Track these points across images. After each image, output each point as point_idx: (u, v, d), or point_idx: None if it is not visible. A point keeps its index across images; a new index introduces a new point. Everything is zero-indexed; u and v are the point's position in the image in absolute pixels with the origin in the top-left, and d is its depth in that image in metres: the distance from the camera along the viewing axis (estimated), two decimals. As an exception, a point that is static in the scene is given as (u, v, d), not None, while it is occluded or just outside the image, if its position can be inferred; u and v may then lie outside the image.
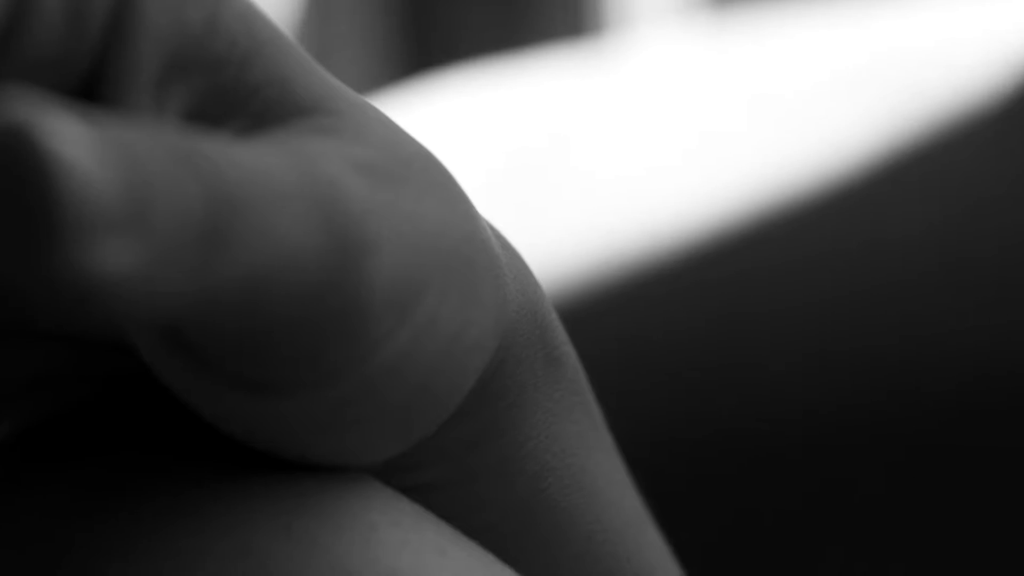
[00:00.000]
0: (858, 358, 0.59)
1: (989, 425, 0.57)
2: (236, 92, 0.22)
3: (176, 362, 0.21)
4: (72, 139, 0.17)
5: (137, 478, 0.22)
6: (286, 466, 0.23)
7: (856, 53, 0.66)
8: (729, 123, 0.65)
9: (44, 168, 0.17)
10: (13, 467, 0.23)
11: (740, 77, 0.67)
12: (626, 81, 0.68)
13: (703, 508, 0.58)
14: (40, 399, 0.24)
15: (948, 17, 0.67)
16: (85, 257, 0.17)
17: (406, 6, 1.29)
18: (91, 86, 0.21)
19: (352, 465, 0.23)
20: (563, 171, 0.65)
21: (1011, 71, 0.63)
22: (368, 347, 0.21)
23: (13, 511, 0.22)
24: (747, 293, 0.60)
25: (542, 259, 0.62)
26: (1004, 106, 0.62)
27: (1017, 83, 0.62)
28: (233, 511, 0.22)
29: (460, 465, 0.25)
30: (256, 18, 0.22)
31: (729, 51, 0.68)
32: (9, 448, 0.24)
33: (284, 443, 0.22)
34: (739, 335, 0.59)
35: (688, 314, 0.60)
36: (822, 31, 0.68)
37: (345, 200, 0.21)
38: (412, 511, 0.23)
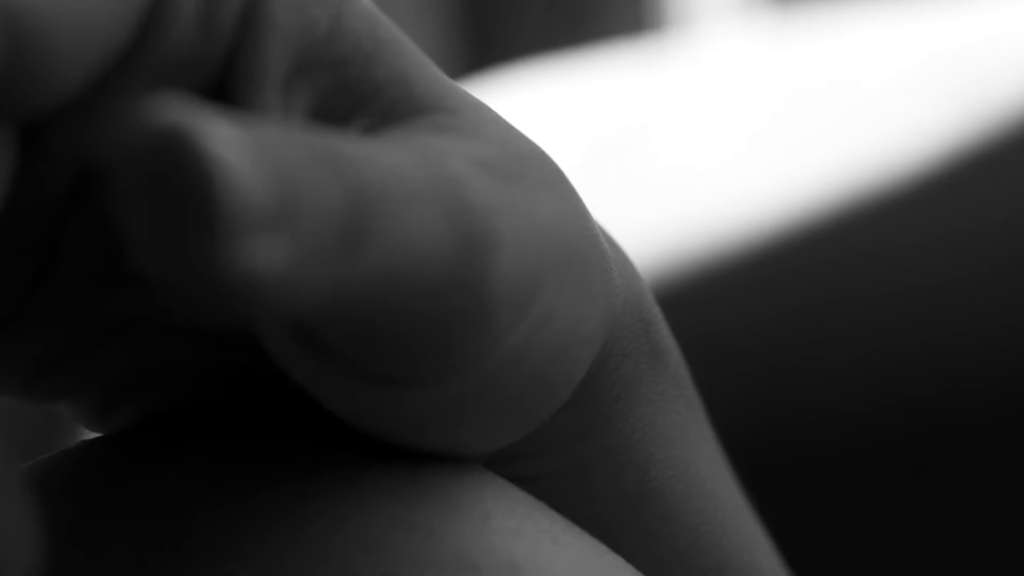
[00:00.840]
0: (931, 351, 0.59)
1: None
2: (360, 90, 0.22)
3: (304, 356, 0.22)
4: (226, 140, 0.18)
5: (262, 465, 0.23)
6: (405, 455, 0.23)
7: (925, 48, 0.66)
8: (800, 117, 0.65)
9: (204, 169, 0.18)
10: (148, 450, 0.24)
11: (810, 71, 0.67)
12: (696, 75, 0.68)
13: (770, 493, 0.58)
14: (168, 388, 0.25)
15: (1018, 11, 0.67)
16: (239, 255, 0.18)
17: (466, 4, 1.30)
18: (222, 87, 0.22)
19: (468, 454, 0.24)
20: (641, 162, 0.65)
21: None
22: (490, 341, 0.22)
23: (149, 491, 0.23)
24: (820, 284, 0.60)
25: (624, 247, 0.62)
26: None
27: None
28: (354, 500, 0.22)
29: (568, 455, 0.25)
30: (377, 19, 0.23)
31: (795, 46, 0.69)
32: (141, 432, 0.24)
33: (405, 433, 0.23)
34: (812, 326, 0.60)
35: (761, 304, 0.60)
36: (888, 27, 0.68)
37: (470, 197, 0.21)
38: (525, 500, 0.24)
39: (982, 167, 0.62)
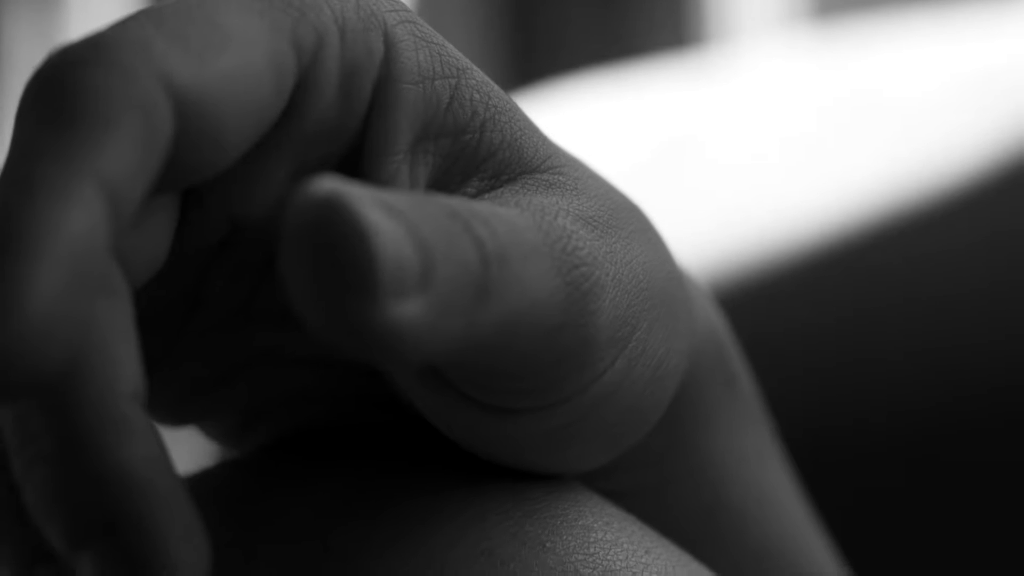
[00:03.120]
0: (976, 355, 0.62)
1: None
2: (476, 155, 0.25)
3: (430, 390, 0.25)
4: (375, 206, 0.21)
5: (388, 483, 0.26)
6: (513, 474, 0.26)
7: (959, 65, 0.69)
8: (843, 128, 0.68)
9: (360, 234, 0.20)
10: (284, 468, 0.27)
11: (856, 83, 0.69)
12: (742, 88, 0.71)
13: (826, 494, 0.61)
14: (297, 413, 0.28)
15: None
16: (388, 314, 0.20)
17: (510, 18, 1.32)
18: (356, 157, 0.25)
19: (567, 473, 0.26)
20: (695, 171, 0.68)
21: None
22: (593, 376, 0.25)
23: (283, 505, 0.26)
24: (870, 289, 0.63)
25: (681, 252, 0.65)
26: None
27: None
28: (471, 514, 0.25)
29: (654, 472, 0.28)
30: (491, 88, 0.26)
31: (840, 59, 0.71)
32: (277, 450, 0.27)
33: (516, 456, 0.26)
34: (862, 329, 0.62)
35: (814, 307, 0.63)
36: (924, 44, 0.71)
37: (577, 250, 0.24)
38: (619, 515, 0.26)
39: (1015, 180, 0.64)
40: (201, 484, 0.27)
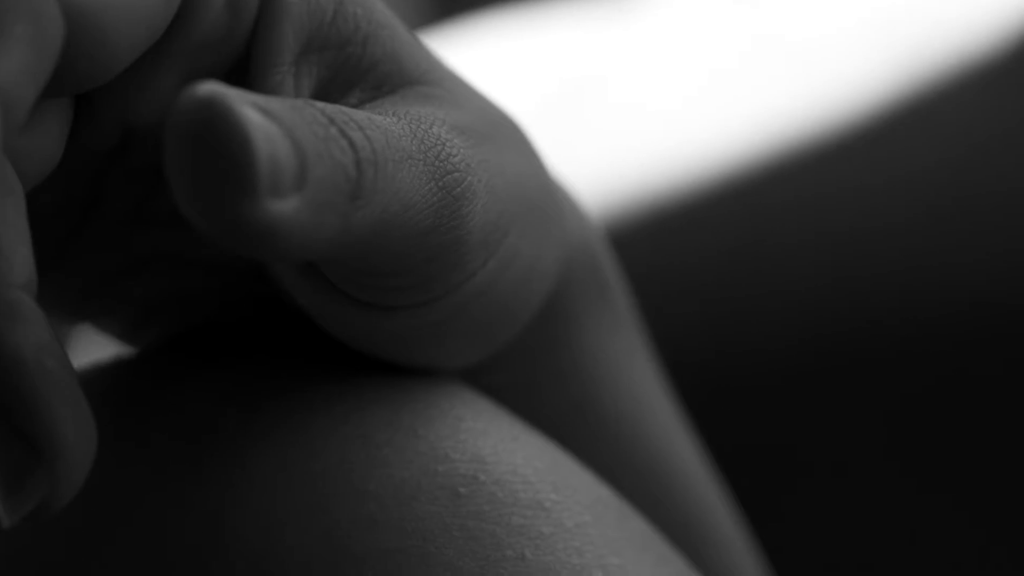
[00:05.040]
0: (869, 288, 0.64)
1: (990, 350, 0.62)
2: (359, 67, 0.27)
3: (309, 287, 0.27)
4: (252, 108, 0.22)
5: (272, 376, 0.28)
6: (391, 369, 0.28)
7: (866, 5, 0.71)
8: (749, 66, 0.70)
9: (240, 133, 0.22)
10: (175, 363, 0.28)
11: (758, 23, 0.71)
12: (650, 29, 0.73)
13: (721, 423, 0.63)
14: (190, 311, 0.29)
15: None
16: (263, 210, 0.22)
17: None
18: (242, 66, 0.26)
19: (444, 369, 0.28)
20: (597, 108, 0.69)
21: (1020, 15, 0.67)
22: (464, 276, 0.26)
23: (180, 395, 0.27)
24: (766, 225, 0.65)
25: (580, 189, 0.67)
26: (1012, 50, 0.66)
27: None
28: (351, 403, 0.27)
29: (527, 370, 0.30)
30: (374, 3, 0.27)
31: (743, 1, 0.73)
32: (165, 349, 0.29)
33: (392, 351, 0.27)
34: (758, 264, 0.64)
35: (711, 242, 0.65)
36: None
37: (451, 157, 0.26)
38: (490, 407, 0.28)
39: (920, 116, 0.66)
40: (94, 379, 0.29)
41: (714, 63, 0.70)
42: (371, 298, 0.26)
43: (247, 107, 0.22)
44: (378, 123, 0.25)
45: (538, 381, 0.30)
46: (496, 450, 0.27)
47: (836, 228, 0.65)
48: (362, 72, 0.27)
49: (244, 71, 0.26)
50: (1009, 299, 0.63)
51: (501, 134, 0.28)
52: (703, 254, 0.65)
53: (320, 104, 0.24)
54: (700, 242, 0.66)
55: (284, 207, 0.22)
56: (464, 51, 0.75)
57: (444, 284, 0.26)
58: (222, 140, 0.22)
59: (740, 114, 0.68)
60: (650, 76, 0.70)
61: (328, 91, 0.27)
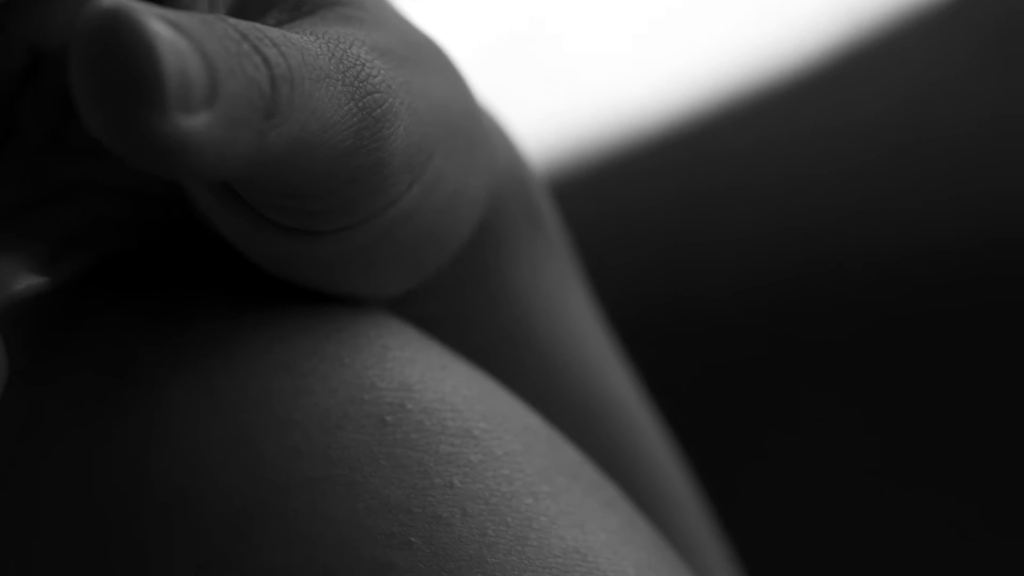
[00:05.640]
0: (816, 232, 0.64)
1: (937, 290, 0.62)
2: None
3: (229, 212, 0.26)
4: (159, 21, 0.22)
5: (194, 305, 0.27)
6: (317, 298, 0.28)
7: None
8: (696, 11, 0.69)
9: (145, 46, 0.21)
10: (93, 295, 0.28)
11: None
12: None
13: (674, 362, 0.63)
14: (107, 241, 0.29)
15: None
16: (172, 125, 0.22)
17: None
18: None
19: (371, 298, 0.28)
20: (547, 54, 0.69)
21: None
22: (388, 200, 0.26)
23: (97, 328, 0.27)
24: (714, 170, 0.65)
25: (527, 132, 0.66)
26: None
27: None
28: (275, 332, 0.27)
29: (457, 299, 0.29)
30: None
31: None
32: (82, 281, 0.28)
33: (317, 279, 0.27)
34: (707, 208, 0.64)
35: (664, 187, 0.65)
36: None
37: (371, 78, 0.25)
38: (418, 336, 0.28)
39: (870, 59, 0.66)
40: (8, 310, 0.28)
41: (664, 7, 0.70)
42: (294, 222, 0.26)
43: (154, 20, 0.22)
44: (294, 41, 0.24)
45: (469, 310, 0.30)
46: (423, 378, 0.27)
47: (789, 172, 0.65)
48: None
49: None
50: (959, 243, 0.63)
51: (424, 57, 0.27)
52: (656, 200, 0.65)
53: (233, 20, 0.23)
54: (653, 187, 0.65)
55: (194, 122, 0.22)
56: None
57: (368, 207, 0.26)
58: (128, 53, 0.21)
59: (691, 60, 0.68)
60: (599, 21, 0.70)
61: (245, 10, 0.26)
